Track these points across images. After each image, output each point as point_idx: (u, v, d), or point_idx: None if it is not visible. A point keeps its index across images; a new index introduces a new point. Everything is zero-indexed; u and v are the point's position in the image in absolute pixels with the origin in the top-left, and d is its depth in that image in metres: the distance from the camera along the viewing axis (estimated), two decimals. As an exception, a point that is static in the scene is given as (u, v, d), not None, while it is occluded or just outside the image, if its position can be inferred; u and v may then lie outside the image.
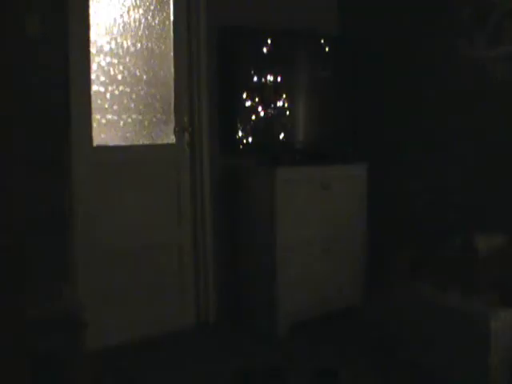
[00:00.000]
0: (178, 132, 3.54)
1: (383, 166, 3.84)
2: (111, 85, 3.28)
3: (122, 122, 3.35)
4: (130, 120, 3.39)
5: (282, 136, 3.69)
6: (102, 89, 3.25)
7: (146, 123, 3.46)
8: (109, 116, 3.30)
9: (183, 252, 3.63)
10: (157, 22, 3.46)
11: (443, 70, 3.51)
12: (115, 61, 3.30)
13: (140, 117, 3.43)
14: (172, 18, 3.50)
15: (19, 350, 1.89)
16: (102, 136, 3.26)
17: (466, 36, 3.32)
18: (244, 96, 3.52)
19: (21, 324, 1.91)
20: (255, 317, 3.55)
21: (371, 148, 3.93)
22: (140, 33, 3.40)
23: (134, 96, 3.39)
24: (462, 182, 3.41)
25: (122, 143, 3.36)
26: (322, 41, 3.82)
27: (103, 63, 3.25)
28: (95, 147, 3.23)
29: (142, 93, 3.42)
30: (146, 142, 3.47)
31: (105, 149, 3.29)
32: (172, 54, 3.51)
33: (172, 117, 3.54)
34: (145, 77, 3.43)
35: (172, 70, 3.51)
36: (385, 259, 3.49)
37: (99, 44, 3.22)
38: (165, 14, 3.49)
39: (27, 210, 2.34)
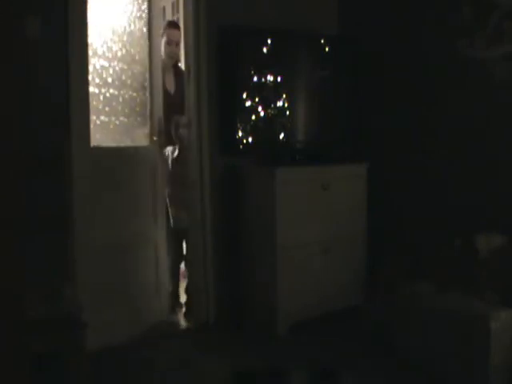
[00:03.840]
0: (151, 135, 3.56)
1: (383, 165, 3.84)
2: (104, 87, 3.29)
3: (111, 125, 3.37)
4: (117, 122, 3.41)
5: (281, 136, 3.69)
6: (96, 90, 3.25)
7: (130, 126, 3.50)
8: (102, 117, 3.31)
9: (183, 252, 3.64)
10: (137, 28, 3.49)
11: (443, 70, 3.51)
12: (106, 64, 3.31)
13: (126, 119, 3.46)
14: (147, 26, 3.53)
15: (19, 349, 1.89)
16: (97, 137, 3.26)
17: (467, 36, 3.32)
18: (244, 96, 3.52)
19: (21, 324, 1.90)
20: (255, 317, 3.55)
21: (371, 148, 3.93)
22: (125, 38, 3.42)
23: (120, 99, 3.41)
24: (462, 182, 3.41)
25: (112, 144, 3.37)
26: (322, 41, 3.82)
27: (97, 65, 3.25)
28: (92, 148, 3.23)
29: (126, 96, 3.44)
30: (131, 143, 3.51)
31: (100, 149, 3.29)
32: (147, 59, 3.53)
33: (148, 120, 3.57)
34: (129, 81, 3.45)
35: (147, 75, 3.53)
36: (385, 259, 3.49)
37: (94, 46, 3.22)
38: (142, 22, 3.51)
39: (27, 209, 2.33)
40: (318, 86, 3.86)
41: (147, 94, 3.53)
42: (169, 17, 5.22)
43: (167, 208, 3.80)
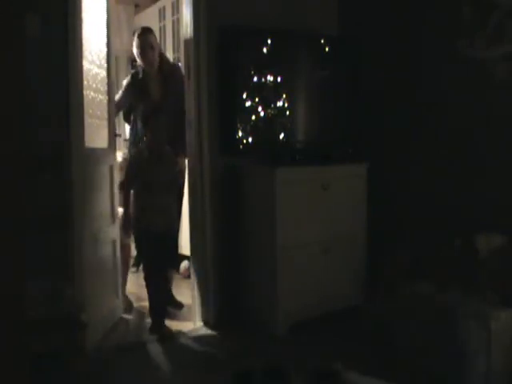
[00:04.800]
0: (110, 137, 3.59)
1: (383, 165, 3.84)
2: (87, 89, 3.28)
3: (92, 126, 3.37)
4: (94, 124, 3.41)
5: (281, 136, 3.69)
6: (84, 92, 3.23)
7: (101, 127, 3.53)
8: (88, 119, 3.29)
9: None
10: (101, 33, 3.47)
11: (443, 70, 3.51)
12: (89, 66, 3.30)
13: (98, 121, 3.47)
14: (106, 31, 3.52)
15: (19, 349, 1.89)
16: (86, 138, 3.24)
17: (467, 36, 3.32)
18: (244, 96, 3.52)
19: (21, 324, 1.90)
20: (255, 317, 3.55)
21: (371, 148, 3.93)
22: (95, 43, 3.41)
23: (95, 101, 3.42)
24: (462, 182, 3.41)
25: (92, 145, 3.36)
26: (322, 41, 3.82)
27: (85, 68, 3.22)
28: (86, 148, 3.22)
29: (98, 99, 3.45)
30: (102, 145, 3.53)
31: (91, 150, 3.29)
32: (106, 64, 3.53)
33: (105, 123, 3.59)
34: (99, 85, 3.46)
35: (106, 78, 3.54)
36: (385, 259, 3.49)
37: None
38: (104, 27, 3.52)
39: (27, 209, 2.34)
40: (317, 86, 3.86)
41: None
42: (169, 17, 5.23)
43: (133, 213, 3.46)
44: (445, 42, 3.47)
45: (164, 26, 5.30)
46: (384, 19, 3.87)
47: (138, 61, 3.90)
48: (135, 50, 3.87)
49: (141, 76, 3.92)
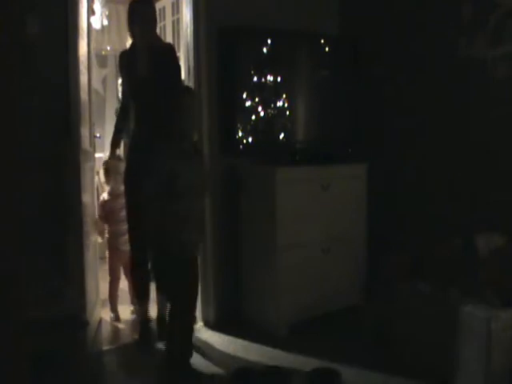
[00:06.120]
0: (90, 138, 3.57)
1: (383, 166, 3.84)
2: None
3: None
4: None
5: (282, 136, 3.69)
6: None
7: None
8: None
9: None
10: (82, 26, 3.40)
11: (443, 70, 3.51)
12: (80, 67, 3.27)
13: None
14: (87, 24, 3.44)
15: (19, 349, 1.89)
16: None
17: (467, 36, 3.32)
18: (244, 96, 3.52)
19: (21, 324, 1.90)
20: (255, 317, 3.55)
21: (371, 148, 3.93)
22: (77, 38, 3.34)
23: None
24: (462, 182, 3.41)
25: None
26: (322, 41, 3.82)
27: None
28: (84, 149, 3.22)
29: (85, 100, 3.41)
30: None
31: (86, 151, 3.28)
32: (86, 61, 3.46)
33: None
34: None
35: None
36: (385, 259, 3.49)
37: None
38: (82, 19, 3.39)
39: (27, 209, 2.34)
40: (317, 86, 3.86)
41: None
42: (169, 17, 5.22)
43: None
44: (445, 42, 3.47)
45: (164, 25, 5.29)
46: (384, 19, 3.87)
47: (134, 33, 3.29)
48: (134, 22, 3.25)
49: (127, 54, 3.40)
